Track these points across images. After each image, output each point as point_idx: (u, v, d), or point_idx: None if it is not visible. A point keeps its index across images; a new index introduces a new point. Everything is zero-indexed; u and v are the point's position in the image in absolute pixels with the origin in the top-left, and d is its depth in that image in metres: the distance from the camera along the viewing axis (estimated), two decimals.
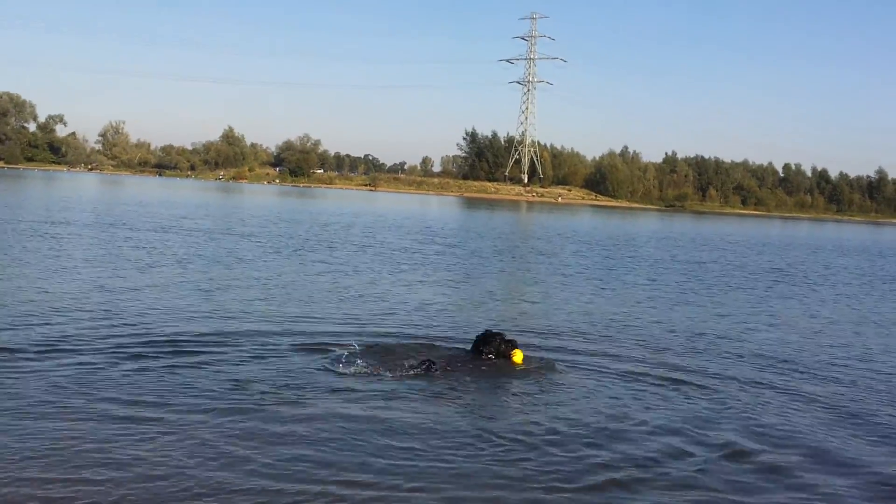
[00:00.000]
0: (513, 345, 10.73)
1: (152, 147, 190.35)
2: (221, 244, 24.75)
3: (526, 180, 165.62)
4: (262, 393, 8.33)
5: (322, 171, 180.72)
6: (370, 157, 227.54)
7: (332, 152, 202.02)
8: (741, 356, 11.95)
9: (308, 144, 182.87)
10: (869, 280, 27.66)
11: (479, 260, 25.46)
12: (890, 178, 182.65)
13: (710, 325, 14.82)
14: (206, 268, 18.59)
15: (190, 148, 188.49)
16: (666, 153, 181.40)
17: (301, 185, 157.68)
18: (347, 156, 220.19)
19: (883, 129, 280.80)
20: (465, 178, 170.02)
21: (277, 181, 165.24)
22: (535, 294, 18.04)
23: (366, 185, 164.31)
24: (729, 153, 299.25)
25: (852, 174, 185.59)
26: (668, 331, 13.89)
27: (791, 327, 15.29)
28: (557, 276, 22.17)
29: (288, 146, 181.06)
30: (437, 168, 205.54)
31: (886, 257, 42.69)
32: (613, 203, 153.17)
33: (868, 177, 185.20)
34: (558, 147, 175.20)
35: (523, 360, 10.64)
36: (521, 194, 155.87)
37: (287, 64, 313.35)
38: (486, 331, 11.03)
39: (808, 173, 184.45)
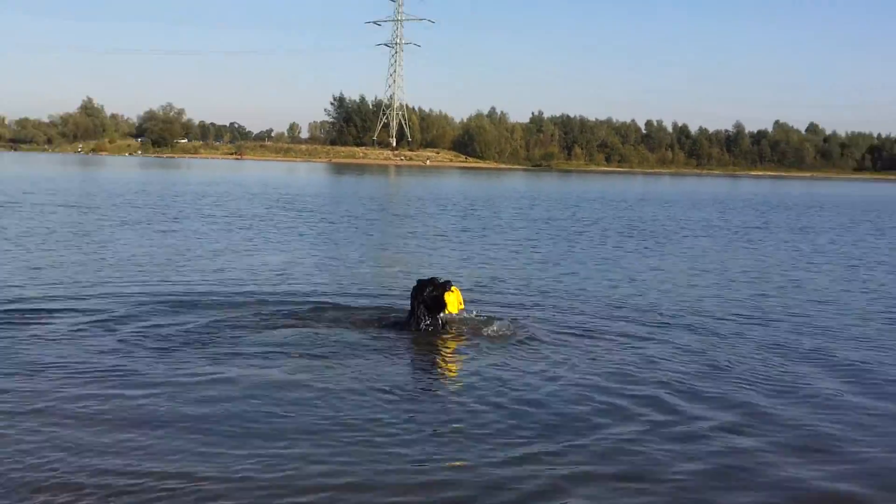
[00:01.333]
0: (444, 287, 9.64)
1: (7, 121, 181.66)
2: (60, 218, 23.63)
3: (394, 144, 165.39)
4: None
5: (186, 140, 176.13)
6: (236, 126, 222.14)
7: (196, 121, 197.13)
8: (587, 304, 11.97)
9: (171, 114, 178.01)
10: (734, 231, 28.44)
11: (330, 225, 25.07)
12: (747, 131, 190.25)
13: (559, 278, 14.86)
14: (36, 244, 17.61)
15: (47, 121, 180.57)
16: (532, 113, 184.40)
17: (164, 155, 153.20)
18: (212, 124, 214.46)
19: (740, 85, 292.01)
20: (333, 143, 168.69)
21: (139, 152, 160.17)
22: (390, 259, 17.78)
23: (232, 154, 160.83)
24: (594, 111, 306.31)
25: (711, 129, 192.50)
26: (523, 286, 13.85)
27: (651, 279, 15.44)
28: (417, 238, 21.99)
29: (150, 116, 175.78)
30: (304, 134, 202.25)
31: (741, 208, 44.25)
32: (481, 164, 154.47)
33: (726, 131, 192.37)
34: (426, 110, 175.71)
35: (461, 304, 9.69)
36: (390, 158, 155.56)
37: (147, 30, 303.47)
38: (418, 281, 9.99)
39: (670, 129, 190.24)
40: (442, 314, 9.82)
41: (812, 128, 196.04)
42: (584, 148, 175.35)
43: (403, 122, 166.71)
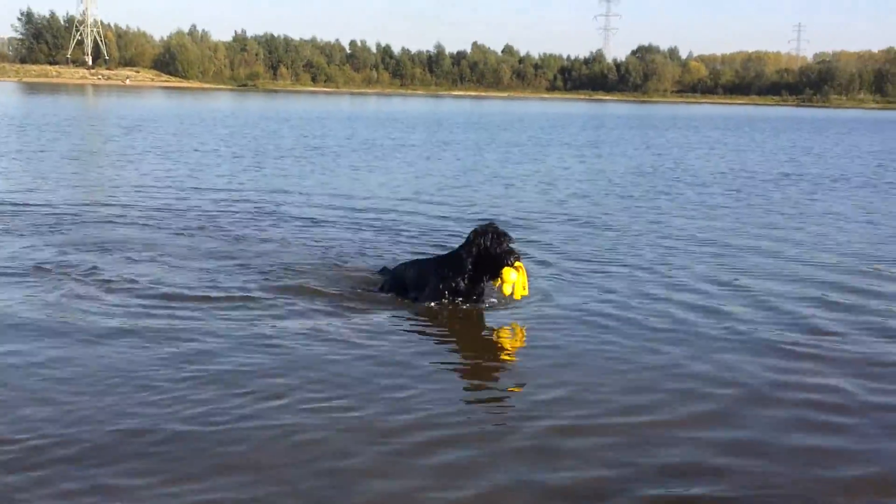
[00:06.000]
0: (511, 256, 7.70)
1: None
2: None
3: (90, 63, 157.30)
4: None
5: None
6: None
7: None
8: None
9: None
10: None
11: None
12: (447, 52, 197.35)
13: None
14: None
15: None
16: (235, 32, 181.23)
17: None
18: None
19: (439, 4, 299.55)
20: (23, 61, 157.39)
21: None
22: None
23: None
24: (298, 31, 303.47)
25: (413, 49, 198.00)
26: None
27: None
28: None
29: None
30: None
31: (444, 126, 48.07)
32: (185, 84, 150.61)
33: (428, 51, 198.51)
34: (123, 27, 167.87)
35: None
36: (87, 77, 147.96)
37: None
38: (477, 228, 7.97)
39: (374, 49, 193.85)
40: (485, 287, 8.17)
41: (508, 49, 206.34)
42: (290, 68, 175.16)
43: (99, 40, 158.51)
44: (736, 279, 9.68)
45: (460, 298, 7.97)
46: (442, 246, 10.94)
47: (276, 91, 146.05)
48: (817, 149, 35.63)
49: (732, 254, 11.27)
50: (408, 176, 20.23)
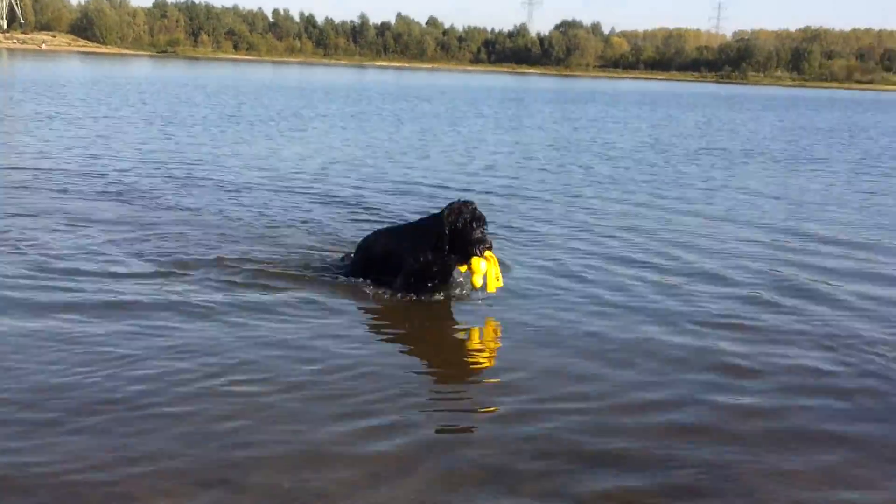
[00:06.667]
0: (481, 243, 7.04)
1: None
2: None
3: (5, 26, 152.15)
4: None
5: None
6: None
7: None
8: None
9: None
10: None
11: None
12: (371, 22, 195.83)
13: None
14: None
15: None
16: None
17: None
18: None
19: None
20: None
21: None
22: None
23: None
24: None
25: (337, 19, 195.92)
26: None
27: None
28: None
29: None
30: None
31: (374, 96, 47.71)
32: (103, 49, 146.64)
33: (352, 21, 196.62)
34: None
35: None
36: (1, 41, 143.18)
37: None
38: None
39: (297, 18, 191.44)
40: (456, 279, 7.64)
41: (432, 21, 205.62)
42: (211, 35, 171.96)
43: (14, 3, 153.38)
44: (648, 254, 9.75)
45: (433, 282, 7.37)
46: (353, 218, 10.88)
47: (196, 58, 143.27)
48: (731, 125, 36.28)
49: (646, 227, 11.37)
50: (320, 146, 20.00)
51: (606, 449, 4.84)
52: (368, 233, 8.30)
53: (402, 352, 6.47)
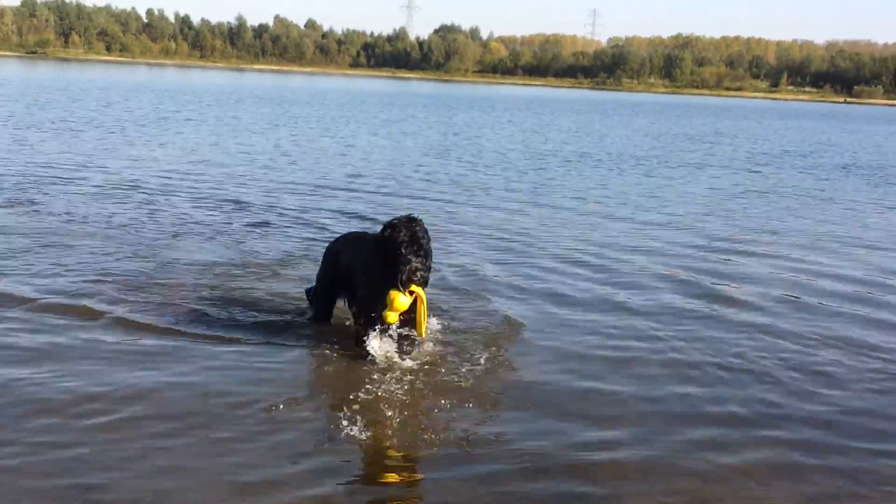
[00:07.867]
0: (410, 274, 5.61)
1: None
2: None
3: None
4: None
5: None
6: None
7: None
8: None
9: None
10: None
11: None
12: (249, 24, 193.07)
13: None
14: None
15: None
16: None
17: None
18: None
19: None
20: None
21: None
22: None
23: None
24: None
25: (214, 21, 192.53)
26: None
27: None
28: None
29: None
30: None
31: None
32: None
33: (229, 23, 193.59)
34: None
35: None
36: None
37: None
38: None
39: (172, 19, 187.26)
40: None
41: (310, 24, 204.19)
42: (83, 36, 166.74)
43: None
44: (512, 256, 9.95)
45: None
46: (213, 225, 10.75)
47: (67, 60, 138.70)
48: (602, 130, 37.24)
49: (515, 231, 11.58)
50: (184, 150, 19.58)
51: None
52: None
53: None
